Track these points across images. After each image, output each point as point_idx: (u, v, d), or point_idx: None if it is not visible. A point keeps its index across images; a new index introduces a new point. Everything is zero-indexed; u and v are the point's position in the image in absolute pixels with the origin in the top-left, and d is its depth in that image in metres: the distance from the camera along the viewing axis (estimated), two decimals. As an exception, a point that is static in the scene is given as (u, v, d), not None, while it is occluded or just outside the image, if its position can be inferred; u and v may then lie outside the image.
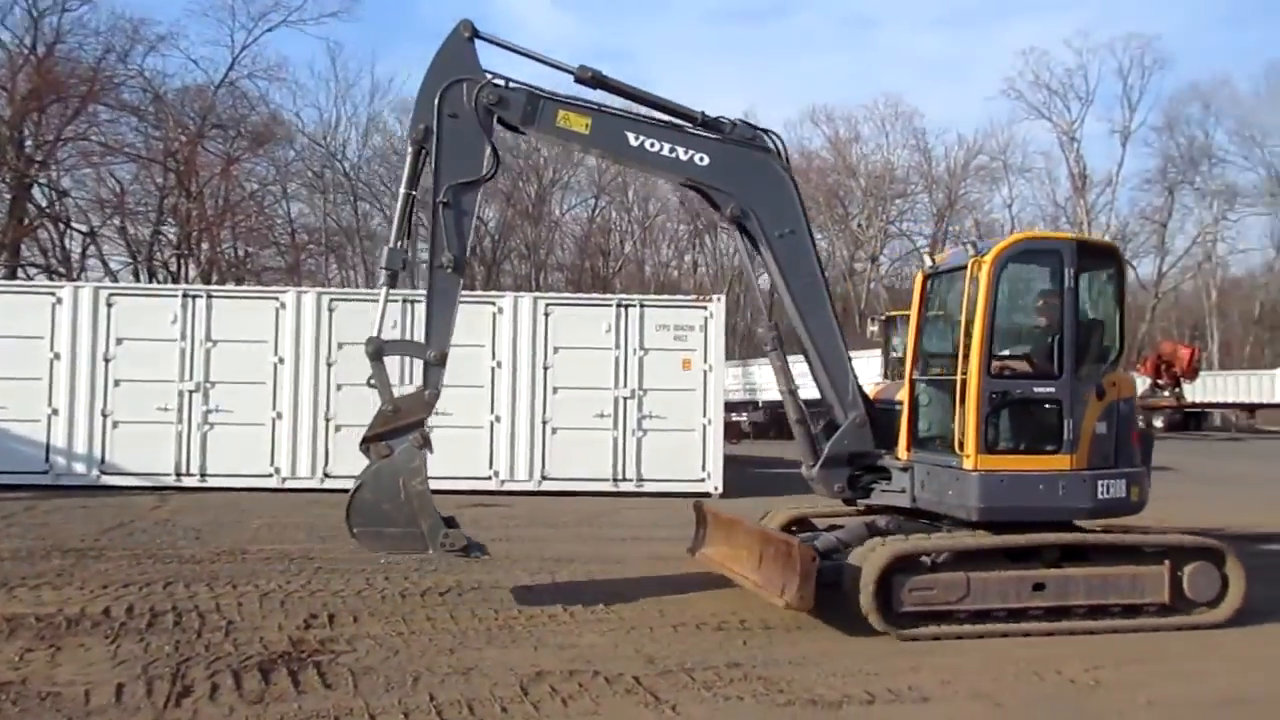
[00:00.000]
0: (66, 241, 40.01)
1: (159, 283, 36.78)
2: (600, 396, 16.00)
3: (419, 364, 7.91)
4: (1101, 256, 8.19)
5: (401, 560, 9.70)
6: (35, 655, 6.33)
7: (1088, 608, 7.41)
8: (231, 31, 46.73)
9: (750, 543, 8.08)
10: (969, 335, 7.47)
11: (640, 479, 16.00)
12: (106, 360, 15.64)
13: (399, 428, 7.63)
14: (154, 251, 41.48)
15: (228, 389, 15.70)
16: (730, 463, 16.80)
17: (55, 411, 15.52)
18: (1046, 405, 7.56)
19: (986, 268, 7.46)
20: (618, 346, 16.13)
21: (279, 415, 15.73)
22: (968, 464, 7.38)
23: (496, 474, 15.81)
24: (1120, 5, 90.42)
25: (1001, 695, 5.98)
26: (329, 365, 15.80)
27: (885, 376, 15.92)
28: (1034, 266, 8.01)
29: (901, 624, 7.08)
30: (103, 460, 15.55)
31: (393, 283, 8.03)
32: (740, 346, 53.86)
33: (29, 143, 38.08)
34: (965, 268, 7.64)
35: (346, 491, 15.38)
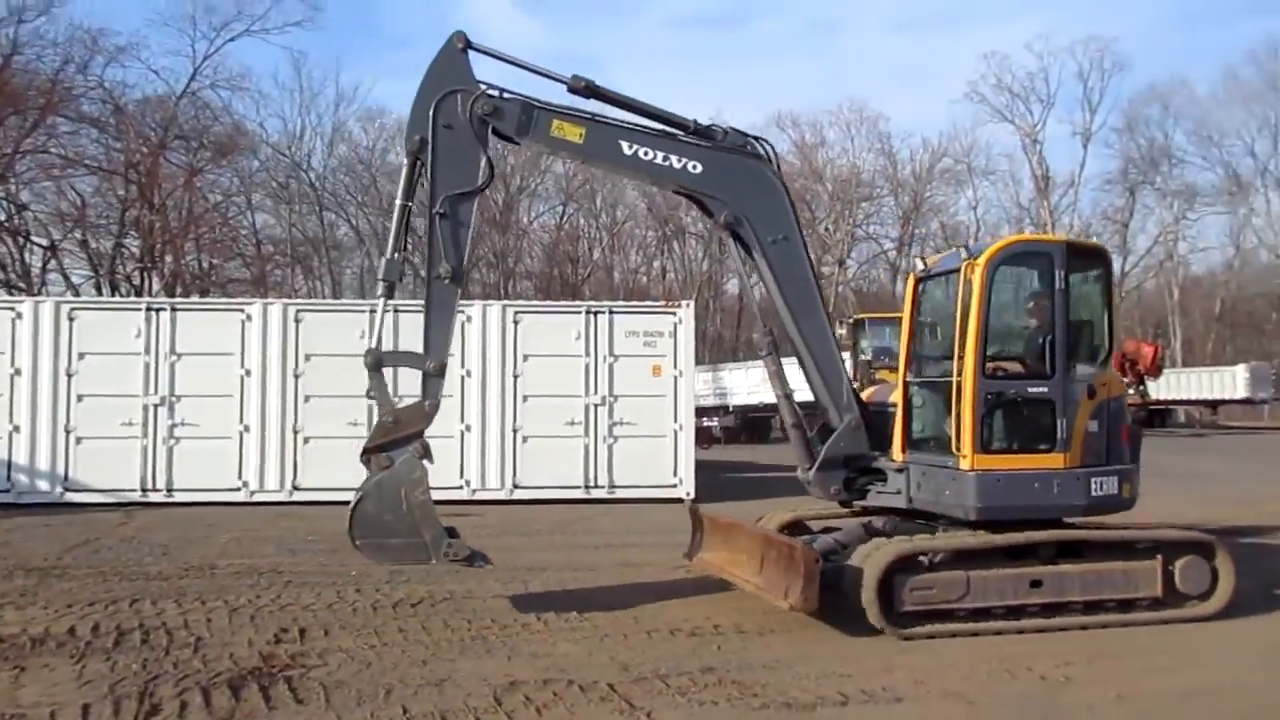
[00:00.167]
0: (26, 255, 39.45)
1: (122, 296, 36.30)
2: (570, 404, 15.97)
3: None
4: (1090, 258, 8.33)
5: (372, 572, 9.64)
6: (-1, 677, 6.22)
7: (1083, 603, 7.53)
8: (193, 41, 46.10)
9: (751, 546, 8.11)
10: (964, 337, 7.56)
11: (612, 486, 15.98)
12: (69, 375, 15.40)
13: (399, 439, 7.61)
14: (116, 265, 40.94)
15: (193, 402, 15.51)
16: (702, 468, 16.81)
17: (16, 428, 15.26)
18: (1040, 405, 7.67)
19: (980, 270, 7.57)
20: (587, 353, 16.10)
21: (246, 428, 15.57)
22: (964, 464, 7.48)
23: (468, 483, 15.73)
24: (1079, 8, 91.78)
25: (974, 694, 6.02)
26: (296, 377, 15.66)
27: (855, 379, 16.03)
28: (1025, 268, 8.14)
29: (902, 623, 7.16)
30: (66, 477, 15.30)
31: (390, 294, 8.02)
32: (710, 351, 54.07)
33: (-13, 156, 37.53)
34: (957, 271, 7.77)
35: (315, 504, 15.36)
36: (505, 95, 7.82)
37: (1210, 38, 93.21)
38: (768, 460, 27.00)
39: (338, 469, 15.39)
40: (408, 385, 8.43)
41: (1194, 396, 46.71)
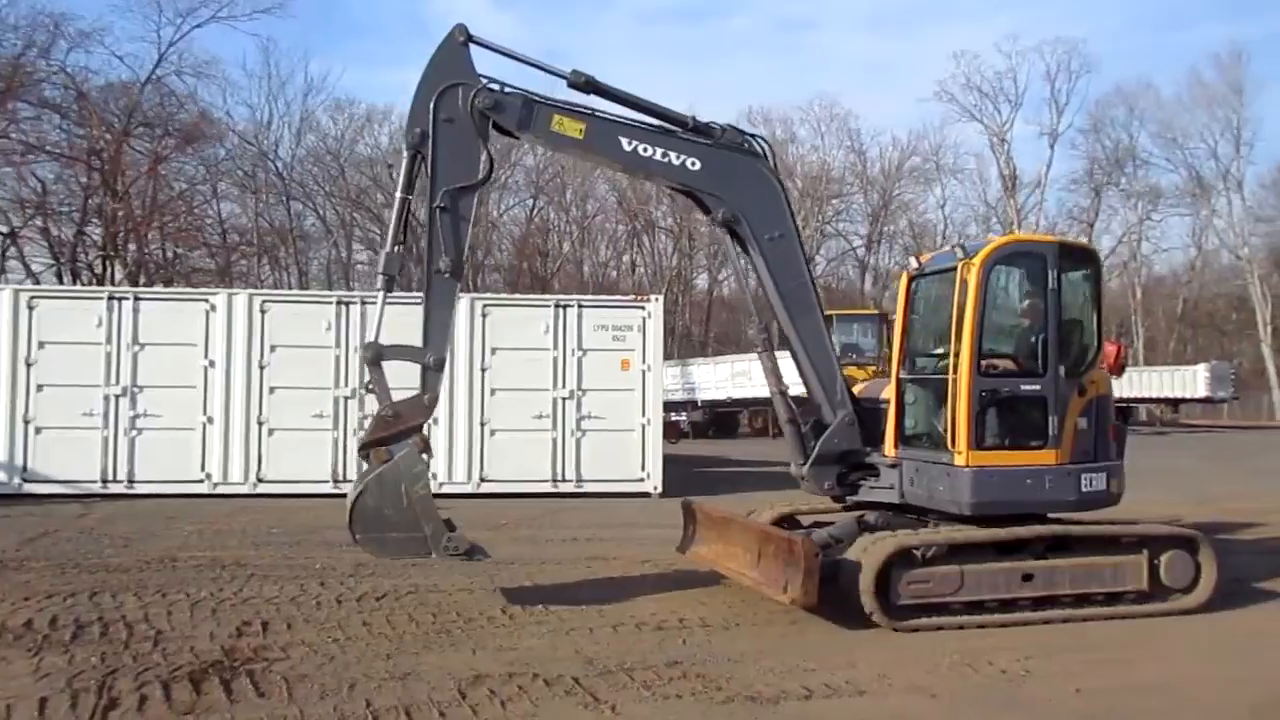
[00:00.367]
0: (-14, 243, 38.77)
1: (83, 285, 35.78)
2: (539, 397, 15.94)
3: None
4: (1081, 258, 8.46)
5: (336, 566, 9.60)
6: (-47, 670, 6.11)
7: (1072, 597, 7.67)
8: (158, 27, 45.21)
9: (747, 540, 8.15)
10: (959, 335, 7.66)
11: (580, 480, 15.98)
12: (28, 364, 15.16)
13: (398, 433, 7.56)
14: (78, 253, 40.31)
15: (156, 393, 15.32)
16: (670, 462, 16.85)
17: (-26, 418, 15.02)
18: (1033, 403, 7.79)
19: (975, 270, 7.67)
20: (556, 347, 16.07)
21: (210, 419, 15.40)
22: (959, 460, 7.59)
23: (435, 476, 15.56)
24: (1048, 10, 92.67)
25: (936, 687, 6.07)
26: (261, 368, 15.51)
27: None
28: (1019, 268, 8.25)
29: (899, 616, 7.25)
30: (25, 468, 15.05)
31: (389, 287, 7.94)
32: (679, 346, 54.15)
33: (-55, 142, 36.84)
34: (950, 269, 7.88)
35: (279, 497, 15.23)
36: (506, 90, 7.82)
37: (1175, 41, 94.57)
38: (736, 455, 27.10)
39: (302, 461, 15.39)
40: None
41: (1155, 395, 47.38)
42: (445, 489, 15.45)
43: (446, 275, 7.71)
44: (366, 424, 15.14)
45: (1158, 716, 5.79)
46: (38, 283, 35.02)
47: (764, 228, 8.22)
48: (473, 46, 7.83)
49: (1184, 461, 24.78)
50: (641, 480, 16.05)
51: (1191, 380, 47.44)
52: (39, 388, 15.16)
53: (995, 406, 7.75)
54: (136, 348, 15.37)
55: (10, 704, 5.49)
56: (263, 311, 15.68)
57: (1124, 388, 44.67)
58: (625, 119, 8.18)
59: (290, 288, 48.31)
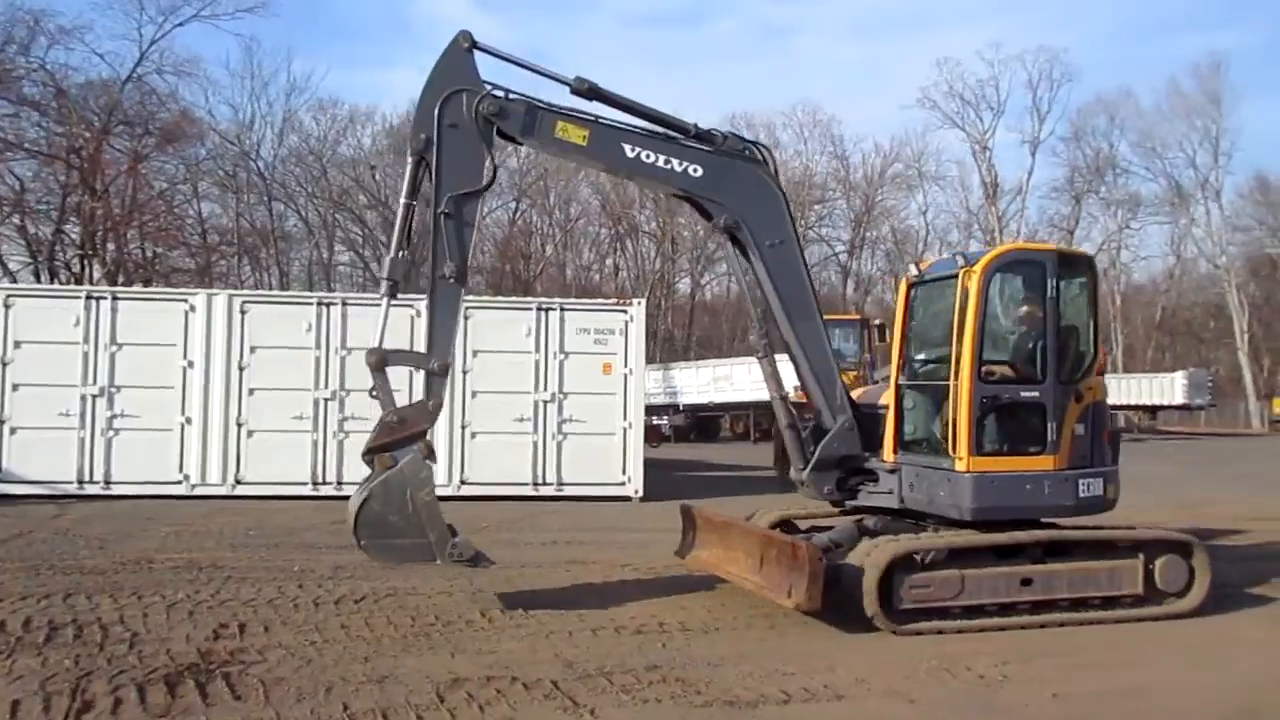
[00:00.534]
0: (-39, 240, 38.40)
1: (61, 284, 35.48)
2: (520, 400, 15.90)
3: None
4: (1078, 267, 8.53)
5: (314, 568, 9.55)
6: (-76, 673, 6.04)
7: (1070, 601, 7.74)
8: (140, 25, 45.00)
9: (749, 545, 8.18)
10: (960, 342, 7.71)
11: (560, 483, 15.94)
12: (4, 364, 15.03)
13: (402, 438, 7.55)
14: (56, 251, 39.96)
15: (134, 393, 15.20)
16: (651, 466, 16.84)
17: (-52, 417, 14.87)
18: (1033, 409, 7.87)
19: (977, 277, 7.75)
20: (538, 350, 16.04)
21: (188, 420, 15.29)
22: (960, 466, 7.65)
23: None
24: (1031, 18, 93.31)
25: (914, 692, 6.09)
26: (241, 369, 15.42)
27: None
28: (1019, 276, 8.32)
29: (900, 621, 7.29)
30: (0, 468, 14.91)
31: (394, 293, 7.88)
32: (661, 350, 54.18)
33: (-78, 138, 36.49)
34: (951, 277, 7.96)
35: (258, 498, 15.14)
36: (510, 96, 7.84)
37: (1155, 51, 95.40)
38: (717, 459, 27.13)
39: (281, 463, 15.30)
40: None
41: (1134, 402, 47.70)
42: (425, 491, 15.41)
43: (451, 281, 7.73)
44: (346, 426, 15.38)
45: (1133, 721, 5.83)
46: (15, 281, 34.68)
47: (764, 234, 8.29)
48: (477, 53, 7.86)
49: (1162, 468, 24.93)
50: (622, 484, 16.03)
51: (1169, 387, 47.83)
52: (15, 387, 15.04)
53: (995, 412, 7.85)
54: (114, 348, 15.25)
55: (-18, 706, 5.43)
56: (242, 312, 15.59)
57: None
58: (628, 126, 8.24)
59: (271, 288, 48.07)
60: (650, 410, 27.21)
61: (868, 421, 8.39)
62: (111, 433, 15.15)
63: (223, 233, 50.78)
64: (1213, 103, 63.42)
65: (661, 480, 17.54)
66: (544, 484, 15.91)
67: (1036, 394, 7.85)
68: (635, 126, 8.24)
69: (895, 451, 8.24)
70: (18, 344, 15.10)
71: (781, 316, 8.36)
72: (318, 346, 15.54)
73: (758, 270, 8.35)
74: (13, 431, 14.97)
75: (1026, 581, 7.65)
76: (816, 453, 8.28)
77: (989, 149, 65.55)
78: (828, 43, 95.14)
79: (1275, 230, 68.16)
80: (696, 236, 61.35)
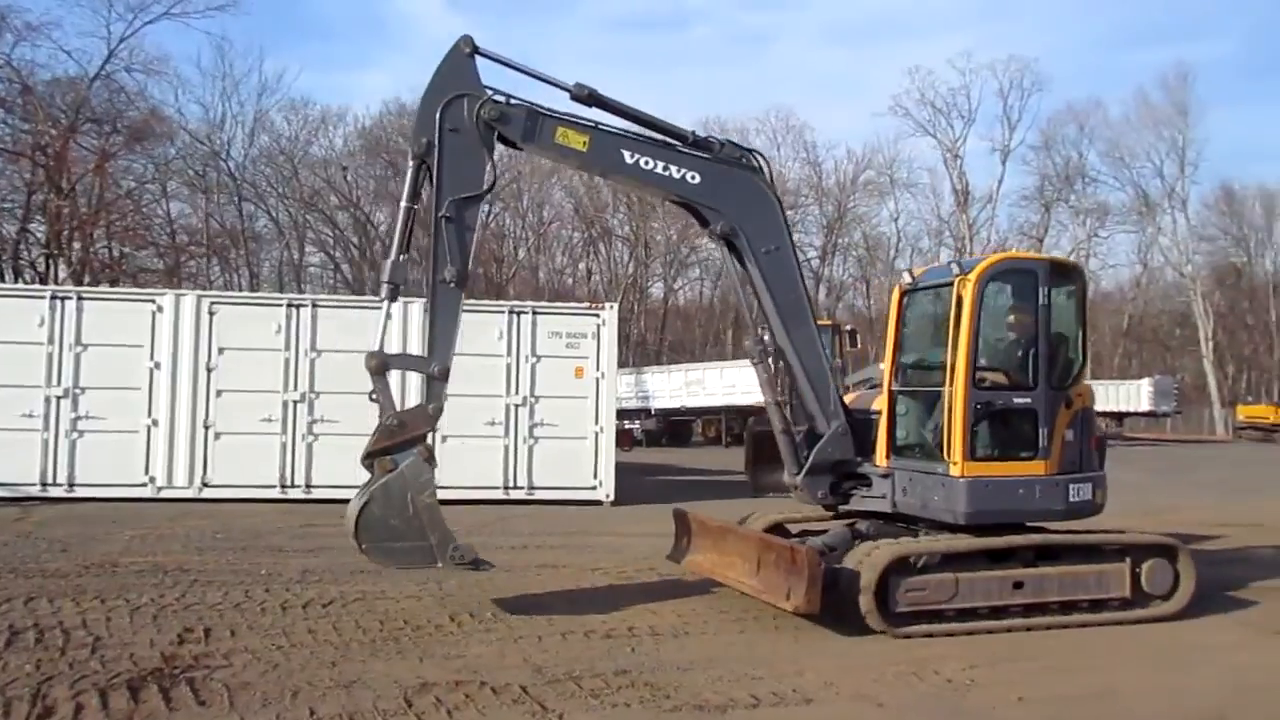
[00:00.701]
0: (-76, 239, 37.78)
1: (25, 283, 34.97)
2: (491, 404, 15.83)
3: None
4: (1068, 276, 8.65)
5: (282, 571, 9.47)
6: (-121, 678, 5.93)
7: (1060, 604, 7.87)
8: (108, 23, 44.35)
9: (745, 549, 8.22)
10: (955, 349, 7.81)
11: (531, 487, 15.89)
12: (-34, 364, 14.80)
13: (402, 442, 7.55)
14: (20, 250, 39.38)
15: (99, 395, 15.00)
16: (622, 470, 16.83)
17: (-92, 418, 14.61)
18: (1025, 415, 7.98)
19: (972, 285, 7.85)
20: (509, 353, 15.99)
21: (154, 422, 15.11)
22: (955, 471, 7.74)
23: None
24: (1002, 29, 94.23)
25: (882, 696, 6.12)
26: (209, 371, 15.26)
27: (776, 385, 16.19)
28: (1012, 285, 8.45)
29: (897, 624, 7.37)
30: (-39, 471, 14.67)
31: (394, 296, 7.88)
32: (633, 354, 54.13)
33: (-117, 134, 35.88)
34: (945, 285, 8.10)
35: (225, 501, 14.99)
36: (511, 101, 7.86)
37: (1124, 62, 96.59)
38: (689, 463, 27.15)
39: (249, 465, 15.15)
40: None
41: (1101, 409, 48.09)
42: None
43: (452, 285, 7.76)
44: (315, 428, 15.26)
45: (1098, 725, 5.89)
46: (-22, 280, 34.18)
47: (761, 241, 8.37)
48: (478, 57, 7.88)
49: (1129, 474, 25.19)
50: (594, 488, 16.00)
51: (1136, 394, 48.42)
52: (-24, 388, 14.78)
53: (989, 419, 7.95)
54: (79, 348, 15.05)
55: (-61, 712, 5.34)
56: (211, 313, 15.43)
57: (1070, 401, 45.45)
58: (627, 132, 8.30)
59: (241, 289, 47.64)
60: (622, 414, 27.16)
61: (860, 426, 8.49)
62: (76, 434, 14.95)
63: (192, 233, 50.20)
64: (1180, 114, 64.47)
65: (633, 484, 17.55)
66: (515, 488, 15.85)
67: (1029, 400, 7.98)
68: (635, 133, 8.31)
69: (888, 456, 8.34)
70: (-20, 344, 14.85)
71: (776, 322, 8.45)
72: (287, 348, 15.41)
73: (754, 276, 8.44)
74: (-26, 433, 14.72)
75: (1018, 585, 7.77)
76: (811, 458, 8.36)
77: (960, 157, 66.18)
78: (801, 50, 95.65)
79: (1240, 240, 69.39)
80: (670, 241, 61.48)
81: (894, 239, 68.35)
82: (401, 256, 7.90)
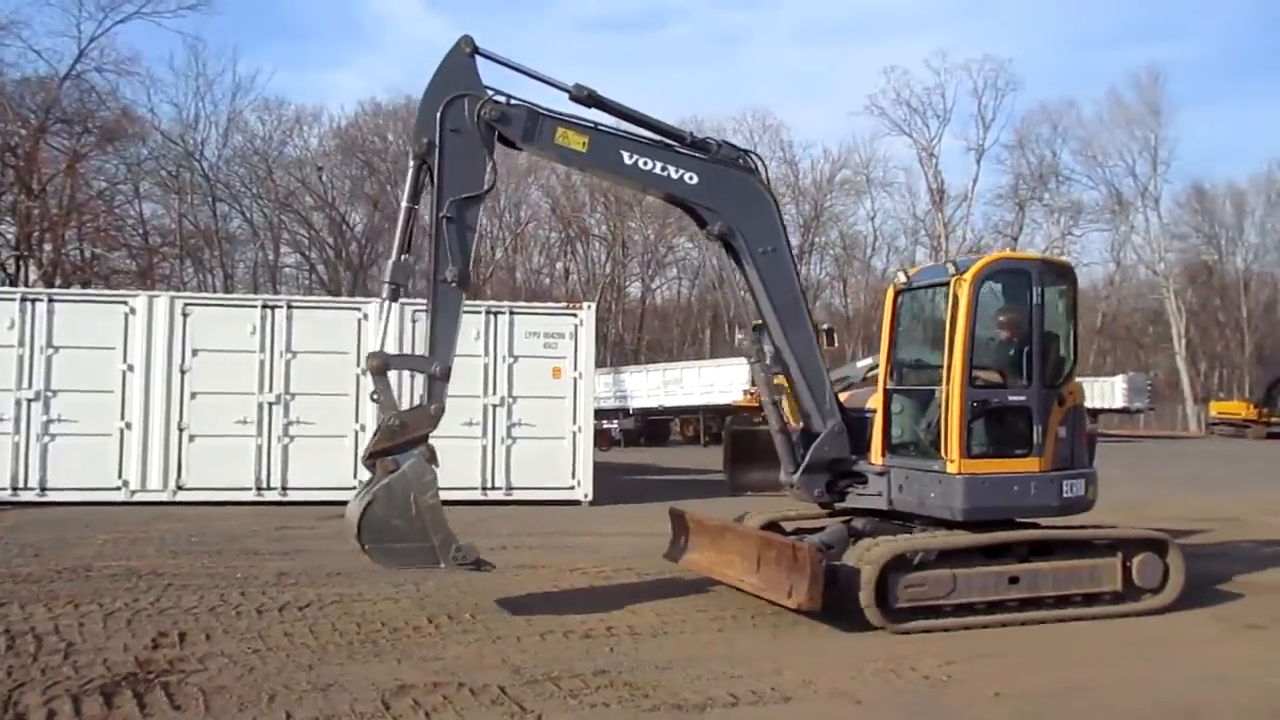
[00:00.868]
0: (-109, 241, 37.28)
1: (-4, 285, 34.58)
2: (469, 404, 15.72)
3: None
4: (1060, 275, 8.73)
5: (258, 575, 9.40)
6: None
7: (1054, 598, 7.97)
8: (79, 22, 43.97)
9: (745, 547, 8.24)
10: (951, 348, 7.88)
11: (509, 487, 15.85)
12: (-65, 367, 14.61)
13: (404, 442, 7.50)
14: (-10, 252, 39.03)
15: (71, 398, 14.83)
16: (600, 470, 16.82)
17: (-124, 422, 14.40)
18: (1020, 413, 8.08)
19: (968, 285, 7.93)
20: (487, 354, 15.93)
21: (128, 425, 14.97)
22: (951, 468, 7.82)
23: (362, 483, 15.38)
24: (976, 28, 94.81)
25: (861, 693, 6.14)
26: (183, 373, 15.13)
27: (753, 384, 16.24)
28: (1006, 284, 8.52)
29: (896, 619, 7.43)
30: (-70, 475, 14.48)
31: (395, 296, 7.86)
32: (611, 354, 54.13)
33: None
34: (940, 284, 8.20)
35: (200, 504, 14.87)
36: (512, 101, 7.87)
37: (1097, 62, 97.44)
38: (667, 463, 27.16)
39: (224, 468, 15.03)
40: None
41: (1076, 405, 48.55)
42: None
43: (453, 285, 7.74)
44: (290, 430, 15.16)
45: (1075, 719, 5.92)
46: (-53, 283, 33.76)
47: (758, 242, 8.40)
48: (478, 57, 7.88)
49: (1104, 471, 25.46)
50: (572, 488, 15.97)
51: (1110, 391, 48.83)
52: (-54, 391, 14.59)
53: (984, 416, 8.03)
54: (50, 350, 14.88)
55: (-92, 720, 5.26)
56: (184, 315, 15.30)
57: (1045, 398, 45.77)
58: (626, 133, 8.32)
59: (215, 291, 47.26)
60: (600, 414, 27.16)
61: (855, 425, 8.54)
62: (48, 438, 14.78)
63: (165, 234, 49.78)
64: (1152, 113, 65.03)
65: (611, 484, 17.54)
66: (493, 488, 15.81)
67: (1023, 398, 8.07)
68: (633, 134, 8.34)
69: (884, 454, 8.40)
70: (-50, 347, 14.66)
71: (773, 322, 8.49)
72: (262, 350, 15.29)
73: (750, 277, 8.47)
74: (-56, 437, 14.54)
75: (1014, 580, 7.86)
76: (807, 456, 8.40)
77: (935, 156, 66.46)
78: (778, 49, 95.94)
79: (1211, 238, 70.19)
80: (647, 240, 61.53)
81: (870, 238, 68.70)
82: (402, 257, 7.88)
